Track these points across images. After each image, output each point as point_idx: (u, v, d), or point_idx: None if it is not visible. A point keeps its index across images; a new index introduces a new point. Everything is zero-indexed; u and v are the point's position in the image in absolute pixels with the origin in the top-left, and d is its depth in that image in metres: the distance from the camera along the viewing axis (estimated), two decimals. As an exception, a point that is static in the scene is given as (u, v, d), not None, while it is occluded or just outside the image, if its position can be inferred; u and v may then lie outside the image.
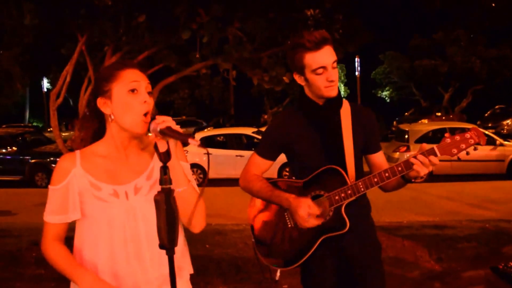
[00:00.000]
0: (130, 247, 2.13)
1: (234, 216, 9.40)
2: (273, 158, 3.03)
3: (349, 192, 2.73)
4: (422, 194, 11.34)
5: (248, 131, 16.81)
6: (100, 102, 2.15)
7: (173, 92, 36.44)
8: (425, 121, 28.11)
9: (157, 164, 2.18)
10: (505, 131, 27.99)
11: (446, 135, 2.68)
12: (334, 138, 2.85)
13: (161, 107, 34.63)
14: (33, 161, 16.00)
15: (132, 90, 2.11)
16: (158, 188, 2.08)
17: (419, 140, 14.31)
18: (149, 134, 2.19)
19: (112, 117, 2.13)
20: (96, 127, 2.26)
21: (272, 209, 2.97)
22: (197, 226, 2.21)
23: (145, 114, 2.07)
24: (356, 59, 43.91)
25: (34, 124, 47.61)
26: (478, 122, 29.65)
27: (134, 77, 2.14)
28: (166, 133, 1.92)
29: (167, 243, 1.82)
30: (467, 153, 2.68)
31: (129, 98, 2.10)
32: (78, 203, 2.17)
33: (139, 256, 2.14)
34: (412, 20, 44.01)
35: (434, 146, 2.65)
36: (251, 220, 3.08)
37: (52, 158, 15.82)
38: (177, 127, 1.94)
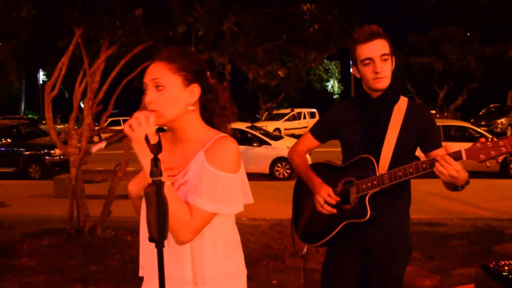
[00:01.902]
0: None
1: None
2: (321, 139, 3.24)
3: (375, 182, 2.84)
4: (414, 191, 11.26)
5: (242, 126, 16.81)
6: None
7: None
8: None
9: (195, 162, 2.11)
10: (498, 129, 28.11)
11: (481, 139, 2.60)
12: (377, 129, 2.97)
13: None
14: (27, 153, 15.97)
15: (145, 90, 2.11)
16: (185, 187, 2.11)
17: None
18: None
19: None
20: None
21: (307, 189, 3.15)
22: (178, 238, 2.03)
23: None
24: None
25: (30, 116, 47.51)
26: (472, 120, 29.71)
27: (145, 76, 2.11)
28: None
29: (157, 237, 1.81)
30: (498, 162, 2.63)
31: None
32: None
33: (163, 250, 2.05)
34: (408, 16, 44.06)
35: (462, 149, 2.60)
36: (294, 198, 3.36)
37: (46, 151, 15.79)
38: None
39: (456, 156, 2.60)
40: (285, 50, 8.52)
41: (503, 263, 3.82)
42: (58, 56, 7.79)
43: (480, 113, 33.18)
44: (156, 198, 1.78)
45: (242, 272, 2.32)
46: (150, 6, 7.08)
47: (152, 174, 1.80)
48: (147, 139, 1.85)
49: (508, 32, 34.45)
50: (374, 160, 2.89)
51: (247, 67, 8.00)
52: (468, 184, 2.70)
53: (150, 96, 2.06)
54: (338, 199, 2.94)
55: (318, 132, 3.24)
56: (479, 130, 16.50)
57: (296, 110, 36.87)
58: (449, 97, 41.33)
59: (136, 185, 2.19)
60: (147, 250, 2.18)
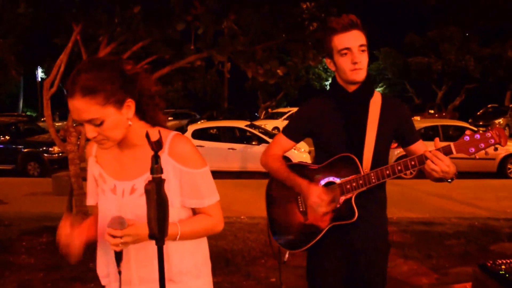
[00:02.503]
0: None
1: (225, 208, 9.37)
2: (296, 139, 3.07)
3: (361, 182, 2.75)
4: (412, 190, 11.40)
5: (241, 124, 16.80)
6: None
7: (167, 84, 36.33)
8: (418, 118, 28.12)
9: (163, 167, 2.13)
10: (496, 129, 28.07)
11: (467, 132, 2.59)
12: (357, 126, 2.85)
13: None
14: (25, 150, 15.94)
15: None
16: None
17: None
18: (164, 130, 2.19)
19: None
20: None
21: (286, 192, 3.01)
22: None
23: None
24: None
25: (28, 113, 47.43)
26: (470, 120, 29.72)
27: (77, 115, 2.06)
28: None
29: (157, 233, 1.81)
30: (486, 153, 2.61)
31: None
32: (95, 190, 2.23)
33: (125, 255, 2.09)
34: (408, 17, 44.07)
35: (451, 143, 2.58)
36: (267, 201, 3.15)
37: (44, 148, 15.77)
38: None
39: (446, 151, 2.58)
40: (284, 49, 8.53)
41: (500, 262, 3.83)
42: (57, 53, 7.79)
43: (478, 113, 33.18)
44: (157, 195, 1.78)
45: (207, 265, 2.40)
46: (149, 4, 7.08)
47: (152, 171, 1.80)
48: (147, 136, 1.85)
49: (507, 33, 34.46)
50: (356, 159, 2.78)
51: (246, 65, 8.01)
52: (457, 176, 2.67)
53: (92, 132, 2.02)
54: (333, 194, 2.78)
55: (292, 132, 3.07)
56: (477, 130, 16.51)
57: (295, 109, 36.85)
58: (448, 97, 41.31)
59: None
60: (106, 257, 2.23)
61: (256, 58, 7.92)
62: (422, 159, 2.61)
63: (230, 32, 7.39)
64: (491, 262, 3.87)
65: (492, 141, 2.56)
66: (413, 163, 2.65)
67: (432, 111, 34.17)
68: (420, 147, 2.94)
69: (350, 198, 2.79)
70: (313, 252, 3.03)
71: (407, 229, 8.06)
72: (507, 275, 3.61)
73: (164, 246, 1.92)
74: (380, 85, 50.19)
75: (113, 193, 2.13)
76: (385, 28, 44.01)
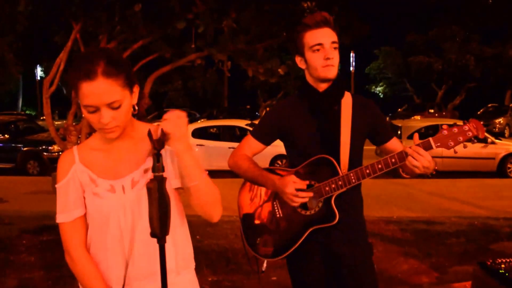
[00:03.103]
0: (125, 242, 2.08)
1: (225, 207, 9.35)
2: (266, 142, 2.97)
3: (340, 183, 2.67)
4: (412, 190, 11.39)
5: (242, 123, 16.78)
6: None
7: (167, 83, 36.33)
8: (418, 117, 28.15)
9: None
10: (496, 129, 28.09)
11: (444, 126, 2.57)
12: (331, 126, 2.79)
13: (154, 98, 34.52)
14: (25, 149, 15.93)
15: (92, 112, 1.97)
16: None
17: (412, 136, 14.32)
18: (140, 122, 2.17)
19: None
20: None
21: (261, 198, 2.93)
22: (215, 215, 2.16)
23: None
24: (351, 54, 43.88)
25: (27, 112, 47.39)
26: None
27: (89, 100, 1.93)
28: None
29: (159, 232, 1.80)
30: (465, 146, 2.57)
31: (90, 117, 2.00)
32: (81, 199, 2.11)
33: (131, 251, 2.09)
34: (408, 16, 44.03)
35: (430, 138, 2.55)
36: (240, 209, 3.03)
37: (44, 146, 15.76)
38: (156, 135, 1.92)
39: (426, 146, 2.54)
40: (284, 48, 8.53)
41: (500, 261, 3.83)
42: (56, 52, 7.79)
43: (478, 112, 33.14)
44: (158, 193, 1.78)
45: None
46: (150, 2, 7.08)
47: (154, 169, 1.80)
48: (150, 134, 1.85)
49: (507, 32, 34.45)
50: (333, 160, 2.71)
51: (247, 64, 8.01)
52: (435, 170, 2.64)
53: (107, 117, 1.93)
54: (307, 182, 2.69)
55: (263, 134, 2.96)
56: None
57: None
58: (448, 96, 41.26)
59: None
60: (105, 262, 2.15)
61: (256, 57, 7.92)
62: (403, 156, 2.57)
63: (230, 30, 7.39)
64: (491, 261, 3.86)
65: (470, 133, 2.54)
66: (393, 160, 2.60)
67: (432, 111, 34.14)
68: (395, 144, 2.92)
69: (330, 200, 2.73)
70: (292, 260, 2.94)
71: (407, 228, 8.07)
72: (507, 274, 3.61)
73: (171, 236, 2.00)
74: (380, 84, 50.12)
75: (112, 192, 2.09)
76: (386, 27, 43.99)
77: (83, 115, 2.00)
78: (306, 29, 2.75)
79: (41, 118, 31.62)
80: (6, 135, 16.54)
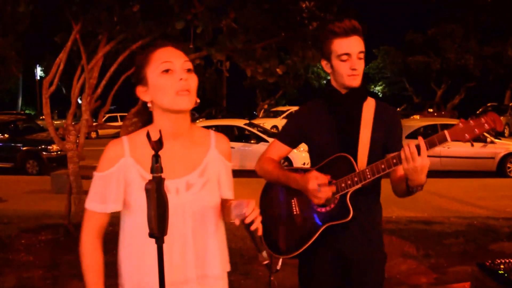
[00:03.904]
0: (176, 245, 2.07)
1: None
2: (291, 144, 3.04)
3: (356, 179, 2.69)
4: (412, 189, 11.37)
5: (240, 123, 16.80)
6: (140, 91, 2.09)
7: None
8: (417, 117, 28.15)
9: (212, 162, 2.17)
10: (496, 128, 28.09)
11: (461, 120, 2.55)
12: (351, 128, 2.83)
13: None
14: (24, 148, 15.95)
15: (165, 71, 2.01)
16: (212, 186, 2.16)
17: (410, 136, 14.34)
18: (200, 126, 2.18)
19: (149, 105, 2.07)
20: (146, 119, 2.16)
21: (279, 196, 2.98)
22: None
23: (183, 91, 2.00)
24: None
25: (27, 111, 47.45)
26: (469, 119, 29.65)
27: (165, 56, 2.03)
28: (246, 228, 2.05)
29: (157, 233, 1.81)
30: (472, 145, 2.57)
31: (162, 79, 2.01)
32: (121, 195, 2.07)
33: (183, 254, 2.09)
34: (407, 15, 44.07)
35: (445, 130, 2.51)
36: (260, 207, 3.02)
37: (43, 146, 15.77)
38: (259, 232, 2.06)
39: (440, 138, 2.52)
40: (283, 48, 8.53)
41: (499, 261, 3.83)
42: (56, 51, 7.79)
43: (478, 112, 33.17)
44: (157, 194, 1.78)
45: None
46: (149, 2, 7.08)
47: (153, 171, 1.80)
48: (148, 136, 1.85)
49: (507, 31, 34.46)
50: (351, 158, 2.74)
51: (246, 64, 8.01)
52: (421, 189, 2.61)
53: (183, 75, 2.01)
54: (329, 176, 2.71)
55: (288, 137, 3.04)
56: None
57: (294, 108, 36.95)
58: (447, 95, 41.34)
59: None
60: (141, 264, 2.13)
61: (255, 57, 7.92)
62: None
63: (229, 30, 7.39)
64: (490, 261, 3.86)
65: (487, 126, 2.50)
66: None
67: (431, 110, 34.17)
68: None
69: (345, 197, 2.74)
70: (305, 260, 2.99)
71: (406, 228, 8.07)
72: (506, 275, 3.61)
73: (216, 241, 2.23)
74: (379, 83, 50.19)
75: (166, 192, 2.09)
76: (385, 26, 44.02)
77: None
78: (334, 36, 2.77)
79: (41, 117, 31.67)
80: (5, 135, 16.55)
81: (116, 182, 2.05)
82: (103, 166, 2.06)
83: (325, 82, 51.43)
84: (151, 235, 1.82)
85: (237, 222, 2.00)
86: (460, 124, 2.54)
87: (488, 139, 14.50)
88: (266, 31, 7.75)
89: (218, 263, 2.20)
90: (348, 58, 2.74)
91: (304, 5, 7.63)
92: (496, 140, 14.79)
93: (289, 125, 3.09)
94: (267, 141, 15.28)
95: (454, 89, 40.30)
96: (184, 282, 2.11)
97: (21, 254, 6.85)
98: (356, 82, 2.77)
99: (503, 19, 33.28)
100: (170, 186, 2.06)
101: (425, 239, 7.46)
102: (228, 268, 2.35)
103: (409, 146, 2.46)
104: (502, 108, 32.06)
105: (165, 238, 1.95)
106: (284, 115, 34.59)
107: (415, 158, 2.45)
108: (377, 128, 2.83)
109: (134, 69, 2.13)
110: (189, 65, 2.05)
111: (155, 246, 1.94)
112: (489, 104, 34.04)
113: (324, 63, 2.88)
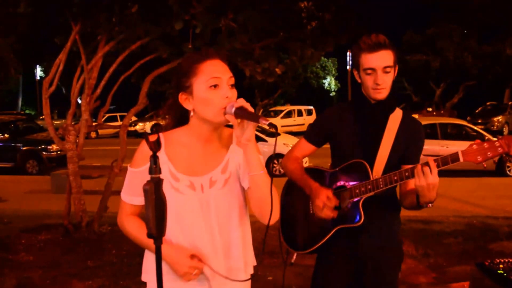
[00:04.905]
0: (206, 238, 2.15)
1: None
2: (317, 144, 3.15)
3: (369, 187, 2.79)
4: (411, 189, 11.37)
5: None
6: (182, 98, 2.14)
7: (165, 82, 36.25)
8: (416, 116, 28.07)
9: (232, 157, 2.23)
10: (495, 127, 28.13)
11: (476, 141, 2.60)
12: (374, 137, 2.94)
13: (152, 97, 34.42)
14: (24, 148, 15.97)
15: (213, 86, 2.08)
16: (234, 182, 2.20)
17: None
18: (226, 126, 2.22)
19: (192, 113, 2.14)
20: (178, 116, 2.23)
21: (298, 194, 3.08)
22: (267, 216, 2.19)
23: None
24: (348, 53, 43.84)
25: (27, 111, 47.45)
26: (468, 118, 29.68)
27: (214, 71, 2.11)
28: (238, 113, 2.00)
29: (156, 233, 1.82)
30: (495, 162, 2.64)
31: (209, 94, 2.08)
32: None
33: (213, 247, 2.16)
34: (406, 14, 44.04)
35: (459, 151, 2.57)
36: (281, 204, 3.19)
37: (43, 146, 15.79)
38: (249, 108, 2.02)
39: (453, 158, 2.57)
40: (282, 47, 8.52)
41: (498, 261, 3.84)
42: (56, 52, 7.80)
43: (477, 111, 33.18)
44: (155, 194, 1.80)
45: None
46: (148, 3, 7.08)
47: (151, 171, 1.82)
48: (146, 137, 1.87)
49: (505, 30, 34.44)
50: (367, 165, 2.85)
51: (244, 63, 8.01)
52: (431, 205, 2.66)
53: (229, 92, 2.10)
54: (338, 202, 2.87)
55: (314, 137, 3.16)
56: (475, 128, 16.50)
57: (294, 107, 36.92)
58: (446, 94, 41.29)
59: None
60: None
61: (254, 56, 7.92)
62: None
63: (228, 30, 7.39)
64: (489, 261, 3.87)
65: (501, 150, 2.56)
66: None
67: (430, 109, 34.18)
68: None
69: (358, 202, 2.84)
70: (320, 257, 3.11)
71: (405, 227, 8.06)
72: (505, 274, 3.62)
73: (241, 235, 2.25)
74: (378, 83, 50.10)
75: (192, 189, 2.15)
76: (383, 26, 43.95)
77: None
78: (361, 51, 2.87)
79: (41, 117, 31.63)
80: (5, 135, 16.57)
81: (145, 178, 2.07)
82: (137, 162, 2.18)
83: (324, 81, 51.49)
84: (149, 235, 1.84)
85: (232, 119, 2.05)
86: (475, 145, 2.59)
87: (487, 138, 14.48)
88: (265, 31, 7.75)
89: (241, 256, 2.25)
90: (372, 72, 2.84)
91: (302, 5, 7.64)
92: (495, 139, 14.76)
93: (316, 125, 3.21)
94: (266, 141, 15.29)
95: (453, 88, 40.26)
96: (212, 277, 2.18)
97: (21, 254, 6.86)
98: (380, 95, 2.88)
99: (501, 18, 33.26)
100: (196, 183, 2.16)
101: (424, 239, 7.47)
102: (253, 262, 2.37)
103: (422, 164, 2.57)
104: (501, 107, 32.09)
105: (196, 232, 2.14)
106: (282, 114, 34.56)
107: (427, 176, 2.52)
108: (399, 140, 2.94)
109: (176, 75, 2.19)
110: (233, 81, 2.15)
111: (184, 239, 2.14)
112: (488, 103, 34.04)
113: (355, 73, 2.99)
